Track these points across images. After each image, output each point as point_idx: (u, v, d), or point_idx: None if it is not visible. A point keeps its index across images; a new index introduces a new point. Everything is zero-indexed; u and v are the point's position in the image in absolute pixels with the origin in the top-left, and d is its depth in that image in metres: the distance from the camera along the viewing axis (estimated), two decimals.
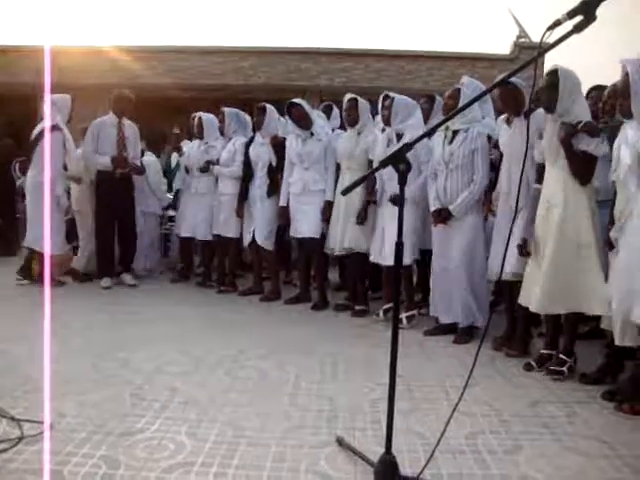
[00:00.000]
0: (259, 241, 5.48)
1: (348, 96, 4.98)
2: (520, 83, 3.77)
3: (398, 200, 1.78)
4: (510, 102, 3.82)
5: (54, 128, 5.63)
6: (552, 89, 3.32)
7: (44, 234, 5.59)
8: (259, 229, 5.47)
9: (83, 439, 2.43)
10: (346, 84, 11.89)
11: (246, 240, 5.61)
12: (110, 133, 5.88)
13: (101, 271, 5.98)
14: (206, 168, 5.84)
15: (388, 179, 4.44)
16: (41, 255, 5.59)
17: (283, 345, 4.00)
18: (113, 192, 5.88)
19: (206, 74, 12.46)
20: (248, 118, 6.03)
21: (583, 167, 3.28)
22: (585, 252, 3.26)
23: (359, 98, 4.91)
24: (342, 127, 5.27)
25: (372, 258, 4.69)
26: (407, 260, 4.41)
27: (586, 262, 3.26)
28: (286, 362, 3.60)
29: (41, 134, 5.69)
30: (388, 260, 4.44)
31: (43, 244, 5.44)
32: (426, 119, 4.77)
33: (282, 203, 5.32)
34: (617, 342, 2.97)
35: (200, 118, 6.05)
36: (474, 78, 4.90)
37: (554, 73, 3.34)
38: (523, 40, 12.71)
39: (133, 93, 6.10)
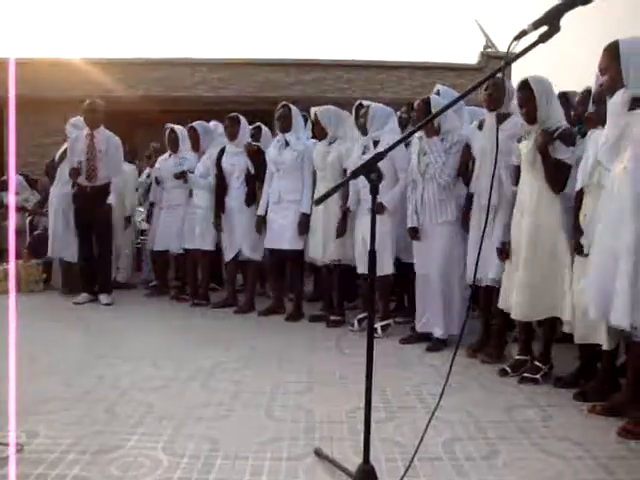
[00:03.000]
0: (247, 254, 5.43)
1: (312, 110, 5.02)
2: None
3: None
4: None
5: None
6: (529, 100, 3.35)
7: (70, 243, 6.16)
8: (244, 242, 5.42)
9: (56, 459, 2.37)
10: (317, 95, 11.96)
11: (228, 255, 5.54)
12: (81, 145, 5.77)
13: (83, 286, 5.92)
14: (182, 175, 5.68)
15: (363, 187, 4.42)
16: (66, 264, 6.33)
17: (258, 357, 3.98)
18: (86, 206, 5.77)
19: (176, 86, 12.42)
20: (219, 129, 6.00)
21: (557, 175, 3.32)
22: (558, 258, 3.32)
23: (317, 110, 4.92)
24: (314, 137, 5.27)
25: (360, 269, 4.63)
26: (388, 270, 4.43)
27: (558, 268, 3.31)
28: (261, 374, 3.58)
29: (65, 153, 6.11)
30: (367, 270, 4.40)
31: (68, 253, 6.19)
32: (404, 128, 4.80)
33: (260, 212, 5.30)
34: (605, 347, 3.02)
35: (174, 131, 6.02)
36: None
37: (526, 84, 3.37)
38: (490, 50, 12.95)
39: (101, 100, 5.98)
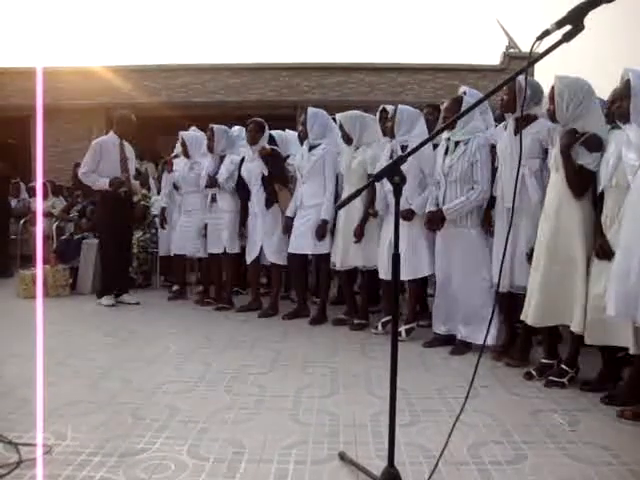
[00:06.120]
0: (269, 258, 5.46)
1: (336, 117, 5.02)
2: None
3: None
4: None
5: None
6: (551, 98, 3.33)
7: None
8: (267, 246, 5.45)
9: (83, 461, 2.40)
10: (339, 98, 11.98)
11: (249, 257, 5.57)
12: (113, 153, 5.91)
13: (105, 289, 6.00)
14: (213, 183, 5.68)
15: (389, 191, 4.34)
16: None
17: (282, 360, 3.98)
18: (117, 211, 5.88)
19: (198, 92, 12.53)
20: (238, 134, 6.05)
21: (578, 180, 3.24)
22: (573, 266, 3.24)
23: (340, 116, 4.91)
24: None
25: (381, 275, 4.60)
26: (422, 272, 4.42)
27: (573, 276, 3.24)
28: (286, 377, 3.59)
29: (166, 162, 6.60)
30: (401, 274, 4.34)
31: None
32: (430, 130, 4.72)
33: (288, 213, 5.32)
34: (632, 351, 2.94)
35: (182, 137, 6.13)
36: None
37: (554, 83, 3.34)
38: (512, 50, 12.83)
39: (134, 114, 6.15)
